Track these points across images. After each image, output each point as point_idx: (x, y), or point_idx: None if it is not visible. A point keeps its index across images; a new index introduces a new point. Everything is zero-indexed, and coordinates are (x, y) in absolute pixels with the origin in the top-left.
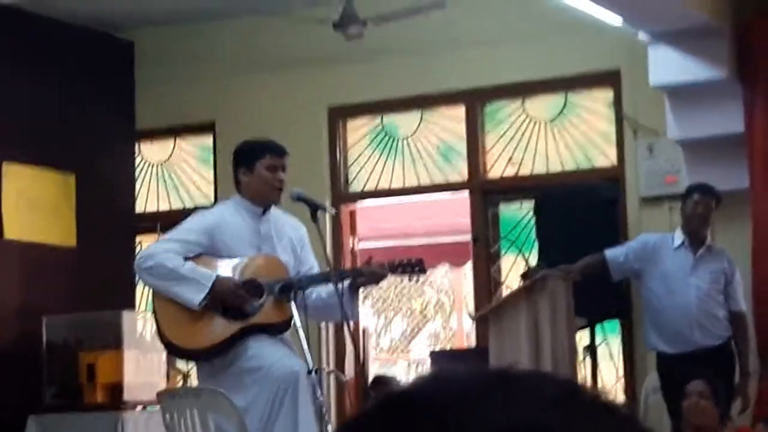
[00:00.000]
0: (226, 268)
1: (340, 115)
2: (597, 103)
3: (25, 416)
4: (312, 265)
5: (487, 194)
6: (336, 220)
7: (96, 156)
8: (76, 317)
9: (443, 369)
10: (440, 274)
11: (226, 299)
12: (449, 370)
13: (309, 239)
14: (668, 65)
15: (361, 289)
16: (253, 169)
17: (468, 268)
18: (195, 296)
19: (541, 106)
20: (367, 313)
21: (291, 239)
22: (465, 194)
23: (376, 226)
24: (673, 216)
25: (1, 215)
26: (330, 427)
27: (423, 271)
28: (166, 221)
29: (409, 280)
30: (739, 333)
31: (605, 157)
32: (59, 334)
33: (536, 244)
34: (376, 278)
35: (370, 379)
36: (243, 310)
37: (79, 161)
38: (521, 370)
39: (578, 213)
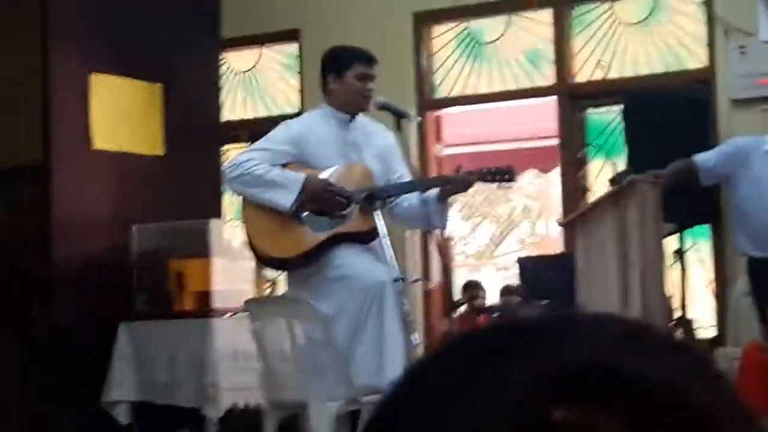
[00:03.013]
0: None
1: (425, 21)
2: (687, 4)
3: (117, 324)
4: (402, 173)
5: (574, 99)
6: (421, 127)
7: (182, 65)
8: (164, 226)
9: (515, 316)
10: (527, 180)
11: (317, 199)
12: (520, 316)
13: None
14: None
15: (450, 198)
16: (343, 77)
17: (555, 173)
18: (286, 199)
19: (630, 8)
20: (453, 220)
21: (379, 147)
22: (552, 99)
23: (462, 133)
24: (765, 119)
25: (91, 125)
26: (416, 335)
27: (512, 179)
28: (252, 130)
29: (498, 187)
30: None
31: (696, 59)
32: (149, 243)
33: (624, 149)
34: (464, 186)
35: (462, 283)
36: (335, 208)
37: (165, 71)
38: (589, 312)
39: (667, 117)
